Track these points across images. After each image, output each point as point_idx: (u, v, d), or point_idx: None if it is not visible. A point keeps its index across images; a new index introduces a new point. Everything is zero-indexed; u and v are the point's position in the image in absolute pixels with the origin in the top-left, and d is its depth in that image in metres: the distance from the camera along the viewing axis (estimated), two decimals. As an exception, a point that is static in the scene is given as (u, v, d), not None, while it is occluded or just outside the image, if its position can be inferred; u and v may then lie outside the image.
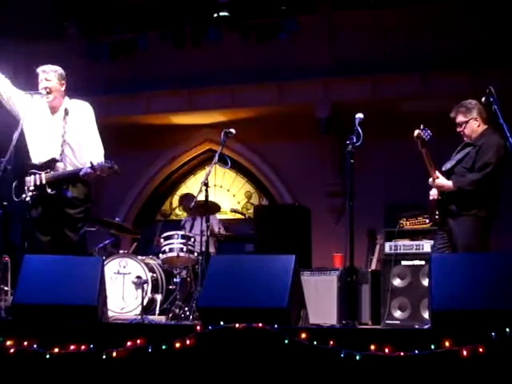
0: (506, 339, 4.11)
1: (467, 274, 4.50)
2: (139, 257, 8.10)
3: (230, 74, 11.54)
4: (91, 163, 5.63)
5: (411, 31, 11.03)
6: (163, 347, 4.63)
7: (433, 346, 4.18)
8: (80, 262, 5.45)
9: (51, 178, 5.78)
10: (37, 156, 5.89)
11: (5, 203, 5.85)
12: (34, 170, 5.82)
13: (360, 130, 5.73)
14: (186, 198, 9.44)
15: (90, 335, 4.86)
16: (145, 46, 12.18)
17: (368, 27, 11.31)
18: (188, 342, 4.62)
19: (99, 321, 5.10)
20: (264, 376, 4.54)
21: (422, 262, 6.91)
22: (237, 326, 4.61)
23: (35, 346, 4.82)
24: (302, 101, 11.34)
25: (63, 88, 5.98)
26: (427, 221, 7.09)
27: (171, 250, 7.65)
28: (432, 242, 6.53)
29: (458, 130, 5.89)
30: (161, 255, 7.79)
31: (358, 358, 4.27)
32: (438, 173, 5.77)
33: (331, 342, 4.36)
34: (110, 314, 6.00)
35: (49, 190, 5.77)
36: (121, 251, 8.37)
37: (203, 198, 6.78)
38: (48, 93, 5.87)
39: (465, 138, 5.89)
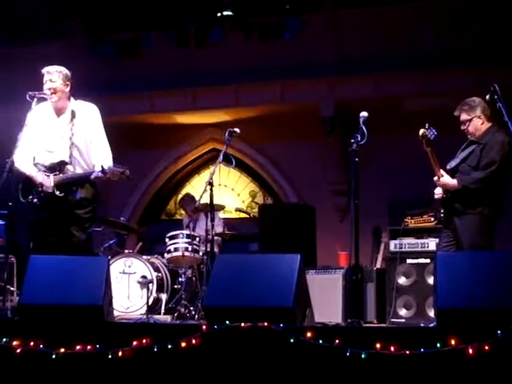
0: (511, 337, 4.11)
1: (472, 272, 4.49)
2: (144, 256, 8.11)
3: (233, 73, 11.53)
4: (102, 167, 5.65)
5: (414, 29, 11.01)
6: (169, 347, 4.64)
7: (438, 344, 4.18)
8: (86, 262, 5.46)
9: (60, 180, 5.80)
10: (44, 158, 5.90)
11: (10, 204, 5.85)
12: (43, 172, 5.84)
13: (364, 129, 5.73)
14: (187, 200, 9.43)
15: (96, 335, 4.87)
16: (149, 46, 12.18)
17: (371, 25, 11.29)
18: (194, 341, 4.63)
19: (105, 321, 5.11)
20: (270, 375, 4.54)
21: (427, 260, 6.91)
22: (242, 325, 4.61)
23: (41, 346, 4.83)
24: (305, 100, 11.33)
25: (68, 89, 6.00)
26: (432, 219, 7.09)
27: (176, 249, 7.66)
28: (437, 240, 6.53)
29: (462, 128, 5.89)
30: (166, 255, 7.80)
31: (363, 356, 4.27)
32: (442, 171, 5.77)
33: (337, 341, 4.37)
34: (115, 313, 6.00)
35: (57, 193, 5.79)
36: (126, 251, 8.38)
37: (208, 198, 6.79)
38: (52, 93, 5.87)
39: (469, 136, 5.88)
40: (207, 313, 5.00)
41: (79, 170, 5.90)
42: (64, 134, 5.91)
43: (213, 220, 6.75)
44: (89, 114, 6.01)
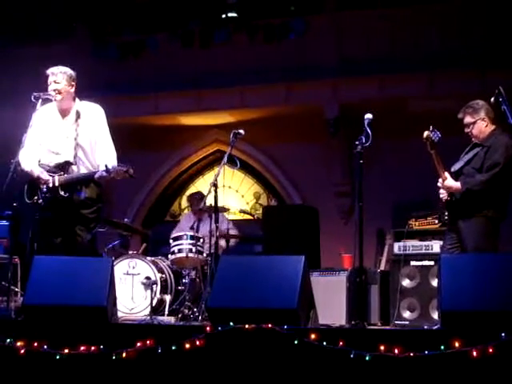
0: (516, 340, 4.11)
1: (476, 275, 4.49)
2: (148, 257, 8.11)
3: (238, 74, 11.54)
4: (106, 167, 5.66)
5: (419, 31, 11.01)
6: (173, 348, 4.64)
7: (442, 347, 4.18)
8: (90, 263, 5.48)
9: (64, 180, 5.84)
10: (49, 158, 5.92)
11: (15, 204, 5.87)
12: (47, 172, 5.86)
13: (369, 131, 5.73)
14: (195, 197, 9.42)
15: (100, 336, 4.88)
16: (154, 47, 12.20)
17: (376, 27, 11.29)
18: (197, 342, 4.63)
19: (109, 321, 5.12)
20: (274, 377, 4.55)
21: (431, 263, 6.90)
22: (246, 326, 4.62)
23: (45, 346, 4.85)
24: (310, 101, 11.33)
25: (73, 89, 6.02)
26: (436, 221, 7.08)
27: (180, 250, 7.65)
28: (441, 242, 6.52)
29: (466, 130, 5.88)
30: (170, 256, 7.80)
31: (367, 358, 4.27)
32: (446, 174, 5.76)
33: (341, 343, 4.37)
34: (119, 314, 6.00)
35: (62, 193, 5.82)
36: (130, 252, 8.37)
37: (212, 199, 6.79)
38: (57, 94, 5.89)
39: (473, 139, 5.88)
40: (211, 314, 5.01)
41: (84, 170, 5.92)
42: (69, 135, 5.94)
43: (217, 221, 6.75)
44: (93, 114, 6.02)
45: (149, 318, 6.43)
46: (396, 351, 4.24)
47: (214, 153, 12.96)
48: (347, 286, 7.22)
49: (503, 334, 4.12)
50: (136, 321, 6.42)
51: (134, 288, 7.72)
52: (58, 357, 4.80)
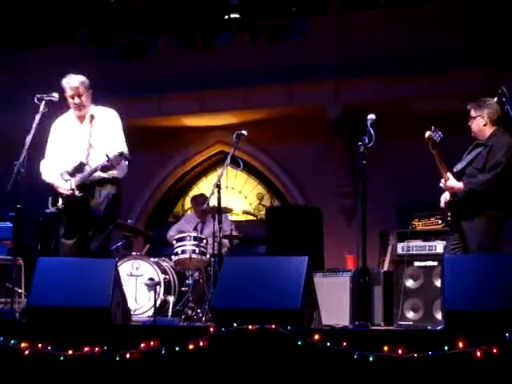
0: (519, 340, 4.10)
1: (480, 275, 4.49)
2: (152, 259, 8.12)
3: (241, 75, 11.55)
4: (107, 156, 5.72)
5: (422, 31, 11.00)
6: (176, 349, 4.65)
7: (446, 347, 4.18)
8: (93, 264, 5.49)
9: (79, 180, 5.91)
10: (68, 164, 6.00)
11: (18, 206, 5.88)
12: (66, 178, 5.95)
13: (372, 131, 5.73)
14: (199, 200, 9.42)
15: (104, 337, 4.89)
16: (156, 49, 12.21)
17: (378, 28, 11.30)
18: (201, 343, 4.63)
19: (113, 322, 5.13)
20: (277, 377, 4.55)
21: (435, 263, 6.89)
22: (250, 327, 4.62)
23: (49, 347, 4.85)
24: (313, 102, 11.33)
25: (89, 96, 6.14)
26: (440, 221, 7.06)
27: (183, 251, 7.66)
28: (444, 242, 6.51)
29: (469, 123, 5.88)
30: (173, 257, 7.81)
31: (371, 359, 4.27)
32: (449, 174, 5.76)
33: (344, 344, 4.37)
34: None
35: (76, 193, 5.89)
36: (133, 253, 8.39)
37: (215, 200, 6.80)
38: (82, 107, 6.03)
39: (472, 134, 5.87)
40: (215, 315, 5.01)
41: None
42: (83, 137, 6.03)
43: (220, 222, 6.76)
44: (107, 116, 6.12)
45: (152, 319, 6.43)
46: (400, 352, 4.24)
47: (217, 154, 12.97)
48: (350, 287, 7.22)
49: (507, 335, 4.11)
50: (140, 322, 6.43)
51: (138, 289, 7.74)
52: (62, 358, 4.81)
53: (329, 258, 8.60)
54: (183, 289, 7.89)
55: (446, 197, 5.86)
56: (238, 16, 12.86)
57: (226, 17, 12.91)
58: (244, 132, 6.85)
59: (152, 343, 4.72)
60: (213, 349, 4.64)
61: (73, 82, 6.05)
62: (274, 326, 4.56)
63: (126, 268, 7.85)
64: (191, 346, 4.64)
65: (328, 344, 4.39)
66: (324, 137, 11.61)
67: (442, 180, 5.79)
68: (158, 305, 7.28)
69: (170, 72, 11.99)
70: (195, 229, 8.43)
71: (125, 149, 5.94)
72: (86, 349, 4.81)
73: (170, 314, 7.63)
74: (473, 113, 5.83)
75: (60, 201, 5.95)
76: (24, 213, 5.91)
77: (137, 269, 7.86)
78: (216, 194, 6.69)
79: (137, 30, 12.85)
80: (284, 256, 5.41)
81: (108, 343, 4.81)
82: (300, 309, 4.72)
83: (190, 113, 12.06)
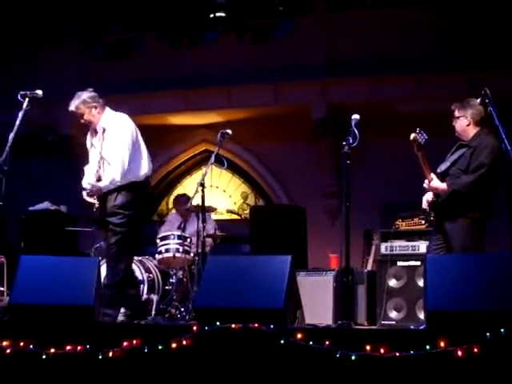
0: (501, 339, 4.12)
1: (462, 275, 4.51)
2: (135, 257, 8.09)
3: (226, 74, 11.55)
4: (89, 183, 6.07)
5: (408, 32, 11.05)
6: (159, 347, 4.64)
7: (428, 347, 4.20)
8: (76, 263, 5.48)
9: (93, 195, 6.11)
10: (91, 175, 6.17)
11: (0, 203, 5.85)
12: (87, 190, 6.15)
13: (356, 131, 5.74)
14: (181, 200, 9.39)
15: (86, 335, 4.87)
16: (142, 47, 12.19)
17: (365, 28, 11.34)
18: (184, 342, 4.63)
19: (95, 321, 5.12)
20: (260, 376, 4.55)
21: (418, 263, 6.93)
22: (233, 326, 4.62)
23: (31, 346, 4.83)
24: (298, 102, 11.36)
25: (97, 109, 6.11)
26: (423, 222, 7.09)
27: (167, 250, 7.64)
28: (427, 242, 6.54)
29: (453, 123, 5.91)
30: (157, 256, 7.79)
31: (353, 358, 4.28)
32: (433, 175, 5.78)
33: (327, 342, 4.38)
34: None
35: (96, 205, 6.11)
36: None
37: (199, 199, 6.79)
38: (89, 124, 6.12)
39: (456, 134, 5.89)
40: (198, 314, 5.01)
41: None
42: (98, 151, 6.13)
43: (204, 221, 6.75)
44: (113, 128, 6.10)
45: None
46: (382, 351, 4.25)
47: (201, 152, 12.96)
48: (334, 286, 7.24)
49: (488, 334, 4.14)
50: (123, 321, 6.41)
51: (121, 288, 7.70)
52: (44, 356, 4.79)
53: (312, 257, 8.63)
54: (167, 287, 7.86)
55: (428, 198, 5.89)
56: (223, 15, 12.85)
57: (212, 15, 12.90)
58: (229, 131, 6.85)
59: (135, 342, 4.71)
60: (196, 347, 4.64)
61: (70, 107, 6.12)
62: (257, 325, 4.57)
63: (109, 266, 7.81)
64: (174, 345, 4.63)
65: (311, 343, 4.40)
66: (309, 137, 11.63)
67: (426, 181, 5.81)
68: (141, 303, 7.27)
69: (155, 70, 11.98)
70: (179, 227, 8.41)
71: (117, 165, 5.97)
72: (68, 347, 4.79)
73: (153, 312, 7.61)
74: (456, 113, 5.87)
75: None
76: (6, 211, 5.88)
77: (120, 267, 7.81)
78: (200, 193, 6.68)
79: (122, 29, 12.82)
80: (267, 255, 5.41)
81: (91, 341, 4.80)
82: (283, 308, 4.72)
83: (175, 111, 12.05)
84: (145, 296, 7.59)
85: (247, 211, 11.69)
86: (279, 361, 4.51)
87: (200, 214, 6.87)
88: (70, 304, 5.07)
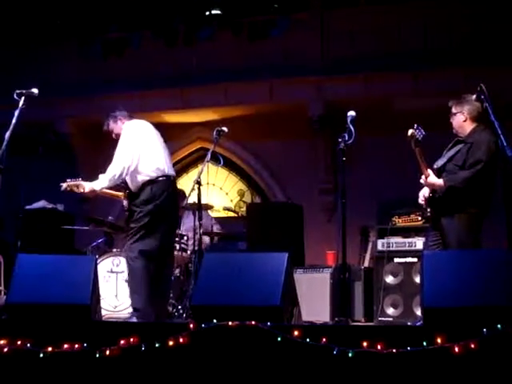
0: (498, 335, 4.13)
1: (459, 271, 4.51)
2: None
3: (222, 72, 11.54)
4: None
5: (403, 29, 11.05)
6: (156, 345, 4.64)
7: (425, 343, 4.20)
8: (73, 261, 5.47)
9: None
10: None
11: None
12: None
13: (352, 128, 5.75)
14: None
15: (84, 334, 4.87)
16: (137, 45, 12.18)
17: (360, 25, 11.32)
18: (181, 340, 4.63)
19: (92, 319, 5.12)
20: (257, 373, 4.55)
21: (415, 259, 6.94)
22: (230, 323, 4.62)
23: (29, 345, 4.83)
24: (294, 99, 11.35)
25: (121, 122, 6.47)
26: (420, 218, 7.11)
27: (164, 248, 7.63)
28: (424, 239, 6.55)
29: (450, 119, 5.92)
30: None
31: (350, 354, 4.29)
32: (429, 171, 5.78)
33: (324, 339, 4.38)
34: (103, 312, 6.00)
35: (125, 203, 6.45)
36: (114, 250, 8.36)
37: (196, 197, 6.80)
38: (112, 132, 6.46)
39: (453, 130, 5.90)
40: (195, 311, 5.00)
41: (133, 181, 6.26)
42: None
43: (200, 219, 6.75)
44: (123, 132, 6.40)
45: (131, 314, 6.41)
46: (379, 347, 4.26)
47: (197, 150, 12.95)
48: (331, 283, 7.25)
49: (485, 330, 4.14)
50: (120, 319, 6.42)
51: (118, 286, 7.72)
52: (41, 355, 4.79)
53: (309, 254, 8.63)
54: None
55: (424, 193, 5.89)
56: (219, 12, 12.83)
57: (208, 13, 12.88)
58: (224, 128, 6.85)
59: (132, 340, 4.71)
60: (193, 345, 4.64)
61: (105, 127, 6.51)
62: (253, 323, 4.57)
63: (106, 265, 7.82)
64: (171, 343, 4.63)
65: (308, 340, 4.40)
66: (305, 134, 11.63)
67: (423, 177, 5.82)
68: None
69: (150, 68, 11.98)
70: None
71: (114, 167, 6.17)
72: (65, 346, 4.79)
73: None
74: (453, 109, 5.88)
75: None
76: (3, 209, 5.88)
77: (117, 265, 7.83)
78: (196, 191, 6.69)
79: (118, 27, 12.81)
80: (264, 252, 5.41)
81: (88, 340, 4.80)
82: (280, 305, 4.72)
83: (170, 109, 12.03)
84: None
85: (244, 208, 11.67)
86: (276, 358, 4.51)
87: (196, 212, 6.87)
88: (67, 302, 5.07)
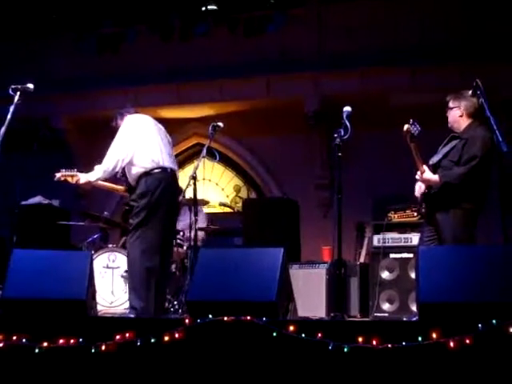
0: (493, 330, 4.14)
1: (454, 267, 4.51)
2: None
3: (218, 67, 11.54)
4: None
5: (400, 24, 11.05)
6: (152, 340, 4.64)
7: (420, 338, 4.21)
8: (68, 257, 5.47)
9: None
10: None
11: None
12: None
13: (348, 123, 5.74)
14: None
15: (79, 329, 4.87)
16: (133, 40, 12.16)
17: (357, 20, 11.32)
18: (177, 335, 4.63)
19: (88, 315, 5.12)
20: (253, 369, 4.55)
21: (410, 255, 6.94)
22: (225, 319, 4.62)
23: (24, 340, 4.82)
24: (290, 94, 11.35)
25: (124, 117, 6.46)
26: (415, 213, 7.12)
27: (160, 243, 7.62)
28: (420, 234, 6.55)
29: (447, 114, 5.93)
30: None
31: (345, 350, 4.29)
32: (425, 167, 5.78)
33: (319, 335, 4.38)
34: (99, 307, 6.00)
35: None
36: (110, 245, 8.36)
37: (191, 192, 6.79)
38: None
39: (449, 125, 5.91)
40: (190, 307, 5.00)
41: (130, 173, 6.22)
42: None
43: (196, 214, 6.75)
44: (122, 125, 6.38)
45: (128, 311, 6.42)
46: (374, 343, 4.26)
47: (193, 146, 12.95)
48: (327, 279, 7.25)
49: (480, 325, 4.15)
50: (116, 314, 6.42)
51: (114, 281, 7.72)
52: (37, 350, 4.79)
53: (305, 249, 8.64)
54: (160, 281, 7.86)
55: (420, 185, 5.88)
56: (215, 7, 12.82)
57: (204, 8, 12.87)
58: (220, 124, 6.84)
59: (127, 335, 4.71)
60: (188, 340, 4.64)
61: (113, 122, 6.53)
62: (249, 318, 4.57)
63: (102, 260, 7.82)
64: (167, 338, 4.63)
65: (303, 335, 4.41)
66: (301, 129, 11.63)
67: (418, 173, 5.82)
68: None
69: (146, 63, 11.96)
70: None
71: (108, 158, 6.16)
72: (61, 341, 4.79)
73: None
74: (450, 104, 5.89)
75: None
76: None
77: (113, 261, 7.83)
78: (192, 186, 6.68)
79: (113, 23, 12.78)
80: (260, 247, 5.41)
81: (83, 335, 4.79)
82: (275, 300, 4.72)
83: (166, 105, 12.01)
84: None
85: (240, 204, 11.68)
86: (272, 353, 4.51)
87: (192, 207, 6.87)
88: (62, 298, 5.07)
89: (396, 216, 7.37)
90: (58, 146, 12.24)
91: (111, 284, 7.73)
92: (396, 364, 4.26)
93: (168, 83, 11.77)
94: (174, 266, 7.79)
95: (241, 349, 4.59)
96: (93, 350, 4.72)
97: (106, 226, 8.66)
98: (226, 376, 4.60)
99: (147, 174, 6.11)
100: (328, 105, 11.03)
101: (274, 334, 4.46)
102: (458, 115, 5.83)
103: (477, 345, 4.13)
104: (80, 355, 4.76)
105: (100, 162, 6.25)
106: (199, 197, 7.10)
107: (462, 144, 5.72)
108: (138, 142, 6.18)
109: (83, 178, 6.26)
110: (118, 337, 4.71)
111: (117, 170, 6.18)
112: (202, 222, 8.31)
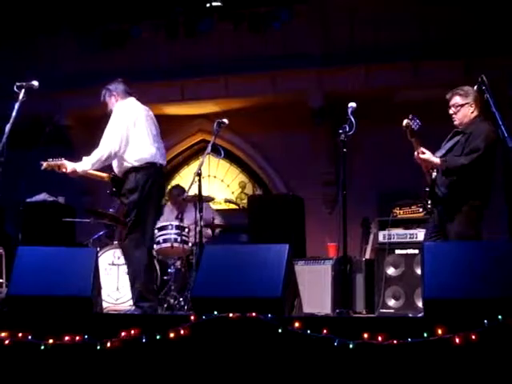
0: (498, 326, 4.13)
1: (459, 263, 4.51)
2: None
3: (223, 63, 11.53)
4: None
5: (403, 19, 11.02)
6: (157, 337, 4.65)
7: (425, 334, 4.21)
8: (74, 254, 5.48)
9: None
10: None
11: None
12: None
13: (353, 119, 5.74)
14: (175, 191, 9.37)
15: (85, 326, 4.88)
16: (137, 36, 12.16)
17: (361, 17, 11.31)
18: (182, 331, 4.64)
19: (93, 312, 5.12)
20: (258, 365, 4.56)
21: (416, 251, 6.92)
22: (231, 315, 4.63)
23: (30, 337, 4.84)
24: (295, 90, 11.34)
25: (113, 98, 6.36)
26: (421, 209, 7.10)
27: (165, 240, 7.64)
28: (425, 230, 6.54)
29: (450, 112, 5.83)
30: (155, 246, 7.77)
31: (351, 346, 4.29)
32: (424, 149, 5.70)
33: (325, 331, 4.38)
34: (104, 304, 6.00)
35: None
36: (115, 242, 8.36)
37: (196, 189, 6.79)
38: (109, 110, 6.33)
39: (455, 122, 5.84)
40: (196, 303, 5.01)
41: (119, 166, 6.16)
42: None
43: (201, 211, 6.75)
44: (115, 110, 6.26)
45: (134, 307, 6.42)
46: (379, 339, 4.26)
47: (198, 142, 12.95)
48: (332, 275, 7.24)
49: (486, 321, 4.15)
50: (121, 311, 6.42)
51: (120, 278, 7.72)
52: (42, 347, 4.80)
53: (311, 246, 8.63)
54: (165, 278, 7.87)
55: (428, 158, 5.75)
56: (219, 4, 12.81)
57: (208, 4, 12.86)
58: (225, 120, 6.84)
59: (133, 332, 4.71)
60: (194, 337, 4.65)
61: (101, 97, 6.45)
62: (254, 314, 4.57)
63: (107, 257, 7.83)
64: (172, 335, 4.64)
65: (308, 332, 4.41)
66: (306, 125, 11.62)
67: (415, 153, 5.70)
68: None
69: (151, 60, 11.96)
70: (177, 217, 8.40)
71: (101, 148, 6.09)
72: (66, 338, 4.80)
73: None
74: (460, 100, 5.79)
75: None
76: (4, 202, 5.88)
77: (118, 258, 7.82)
78: (197, 183, 6.68)
79: (118, 18, 12.77)
80: (265, 244, 5.41)
81: (89, 332, 4.80)
82: (281, 297, 4.73)
83: (171, 101, 12.01)
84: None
85: (245, 201, 11.67)
86: (277, 350, 4.52)
87: (197, 204, 6.86)
88: (67, 295, 5.08)
89: (401, 212, 7.35)
90: (62, 143, 12.24)
91: (117, 281, 7.74)
92: (401, 360, 4.27)
93: (172, 80, 11.76)
94: (179, 263, 7.80)
95: (246, 345, 4.59)
96: (98, 347, 4.74)
97: (111, 223, 8.65)
98: (231, 372, 4.60)
99: (136, 168, 6.07)
100: (332, 101, 11.01)
101: (280, 331, 4.47)
102: (470, 111, 5.77)
103: (482, 341, 4.13)
104: (85, 352, 4.78)
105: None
106: (204, 193, 7.10)
107: (466, 138, 5.68)
108: (130, 136, 6.11)
109: (70, 166, 6.20)
110: (123, 333, 4.72)
111: (109, 161, 6.11)
112: (218, 220, 8.37)
